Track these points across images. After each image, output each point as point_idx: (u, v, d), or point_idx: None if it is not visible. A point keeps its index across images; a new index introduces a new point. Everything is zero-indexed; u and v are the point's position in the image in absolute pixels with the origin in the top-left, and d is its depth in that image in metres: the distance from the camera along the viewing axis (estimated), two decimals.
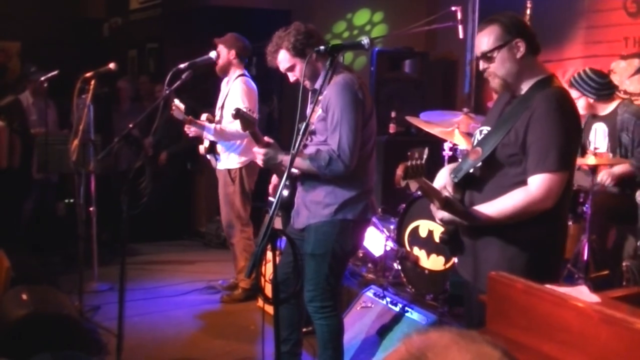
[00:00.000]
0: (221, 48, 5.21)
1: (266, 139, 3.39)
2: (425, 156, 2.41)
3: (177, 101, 4.95)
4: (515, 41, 2.61)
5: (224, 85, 5.35)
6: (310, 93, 3.48)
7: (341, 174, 3.31)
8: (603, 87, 4.52)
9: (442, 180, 2.79)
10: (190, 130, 5.10)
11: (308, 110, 3.32)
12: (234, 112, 3.28)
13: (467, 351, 0.88)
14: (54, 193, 6.96)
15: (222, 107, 5.25)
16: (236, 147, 5.23)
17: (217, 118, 5.25)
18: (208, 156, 5.34)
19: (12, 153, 6.58)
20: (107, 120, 7.43)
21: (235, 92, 5.15)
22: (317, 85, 3.39)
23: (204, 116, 5.18)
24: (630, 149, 4.44)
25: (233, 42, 5.22)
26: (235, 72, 5.26)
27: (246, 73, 5.32)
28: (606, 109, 4.57)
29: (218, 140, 5.19)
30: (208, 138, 5.19)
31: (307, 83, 3.40)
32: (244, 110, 3.43)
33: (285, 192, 3.56)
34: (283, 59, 3.50)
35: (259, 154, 3.37)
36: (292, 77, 3.54)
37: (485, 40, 2.64)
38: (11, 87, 7.23)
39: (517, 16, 2.77)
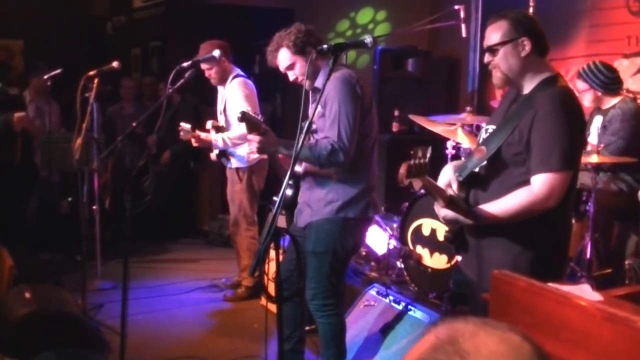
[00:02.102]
0: (209, 65, 5.07)
1: (263, 127, 3.37)
2: (428, 155, 2.41)
3: (182, 124, 5.03)
4: (522, 39, 2.61)
5: (221, 88, 5.30)
6: (310, 92, 3.48)
7: (340, 165, 3.31)
8: (612, 82, 4.55)
9: (446, 177, 2.79)
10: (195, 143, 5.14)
11: (310, 110, 3.31)
12: (239, 116, 3.27)
13: (493, 335, 0.99)
14: (56, 192, 6.96)
15: (224, 111, 5.23)
16: (244, 147, 5.20)
17: (221, 123, 5.24)
18: (221, 159, 5.35)
19: (14, 149, 6.53)
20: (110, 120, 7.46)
21: (236, 96, 5.11)
22: (317, 84, 3.40)
23: (209, 124, 5.15)
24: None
25: (212, 50, 4.97)
26: (230, 74, 5.22)
27: (239, 72, 5.27)
28: (609, 102, 4.60)
29: (227, 148, 5.19)
30: (217, 148, 5.20)
31: (307, 82, 3.40)
32: (250, 113, 3.42)
33: (289, 192, 3.56)
34: (283, 58, 3.51)
35: (253, 142, 3.35)
36: (291, 76, 3.55)
37: (492, 34, 2.66)
38: (14, 84, 7.21)
39: (528, 15, 2.78)
